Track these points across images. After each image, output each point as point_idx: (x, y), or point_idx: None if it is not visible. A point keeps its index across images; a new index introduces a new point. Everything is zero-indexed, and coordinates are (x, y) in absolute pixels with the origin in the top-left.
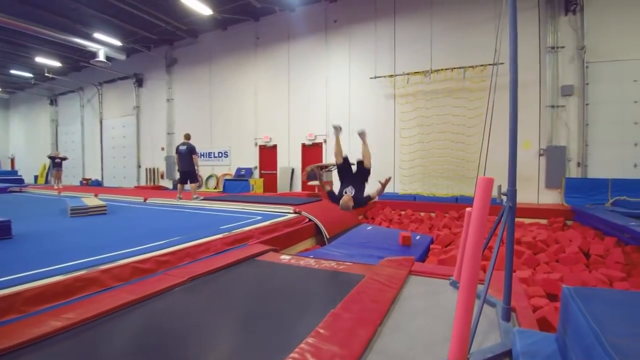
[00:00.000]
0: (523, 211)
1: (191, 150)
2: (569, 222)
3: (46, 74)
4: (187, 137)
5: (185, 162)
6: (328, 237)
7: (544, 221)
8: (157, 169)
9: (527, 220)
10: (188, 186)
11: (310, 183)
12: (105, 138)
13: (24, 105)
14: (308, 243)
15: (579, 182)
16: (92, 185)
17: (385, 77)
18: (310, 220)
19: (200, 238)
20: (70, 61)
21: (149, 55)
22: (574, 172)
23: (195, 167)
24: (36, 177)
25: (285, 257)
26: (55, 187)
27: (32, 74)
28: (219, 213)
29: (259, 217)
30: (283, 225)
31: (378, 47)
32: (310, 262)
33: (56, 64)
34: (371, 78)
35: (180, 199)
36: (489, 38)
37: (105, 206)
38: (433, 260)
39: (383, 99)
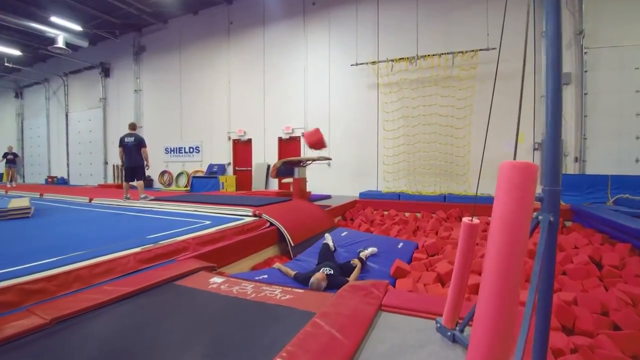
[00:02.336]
0: None
1: (140, 142)
2: (568, 224)
3: (6, 64)
4: (133, 127)
5: (134, 156)
6: (292, 244)
7: None
8: None
9: None
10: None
11: (285, 181)
12: (71, 132)
13: None
14: (270, 252)
15: (577, 178)
16: (58, 183)
17: (367, 64)
18: (272, 224)
19: (111, 253)
20: (31, 49)
21: (115, 43)
22: (570, 167)
23: (145, 162)
24: (1, 175)
25: (216, 281)
26: (9, 185)
27: None
28: (163, 216)
29: (208, 222)
30: (233, 232)
31: (360, 31)
32: (247, 288)
33: (16, 52)
34: (352, 65)
35: (128, 199)
36: (480, 21)
37: (29, 208)
38: (413, 277)
39: (365, 89)
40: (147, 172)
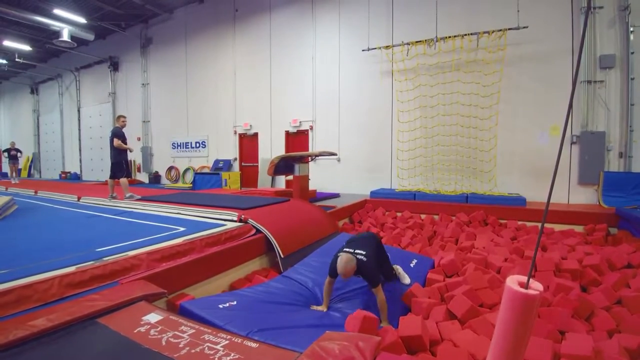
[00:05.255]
0: (551, 214)
1: (111, 135)
2: (613, 230)
3: (17, 59)
4: (117, 119)
5: (110, 151)
6: (282, 256)
7: (579, 228)
8: (134, 161)
9: (557, 227)
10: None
11: (288, 178)
12: (83, 128)
13: (8, 95)
14: (255, 264)
15: (621, 177)
16: (71, 179)
17: (380, 48)
18: (259, 231)
19: (35, 274)
20: (40, 44)
21: (124, 36)
22: (614, 164)
23: (124, 155)
24: (19, 170)
25: (149, 320)
26: (13, 182)
27: (6, 60)
28: (138, 220)
29: (182, 229)
30: (206, 242)
31: (372, 12)
32: (184, 335)
33: (25, 47)
34: (364, 50)
35: (113, 197)
36: None
37: None
38: (424, 310)
39: (378, 76)
40: (154, 168)
